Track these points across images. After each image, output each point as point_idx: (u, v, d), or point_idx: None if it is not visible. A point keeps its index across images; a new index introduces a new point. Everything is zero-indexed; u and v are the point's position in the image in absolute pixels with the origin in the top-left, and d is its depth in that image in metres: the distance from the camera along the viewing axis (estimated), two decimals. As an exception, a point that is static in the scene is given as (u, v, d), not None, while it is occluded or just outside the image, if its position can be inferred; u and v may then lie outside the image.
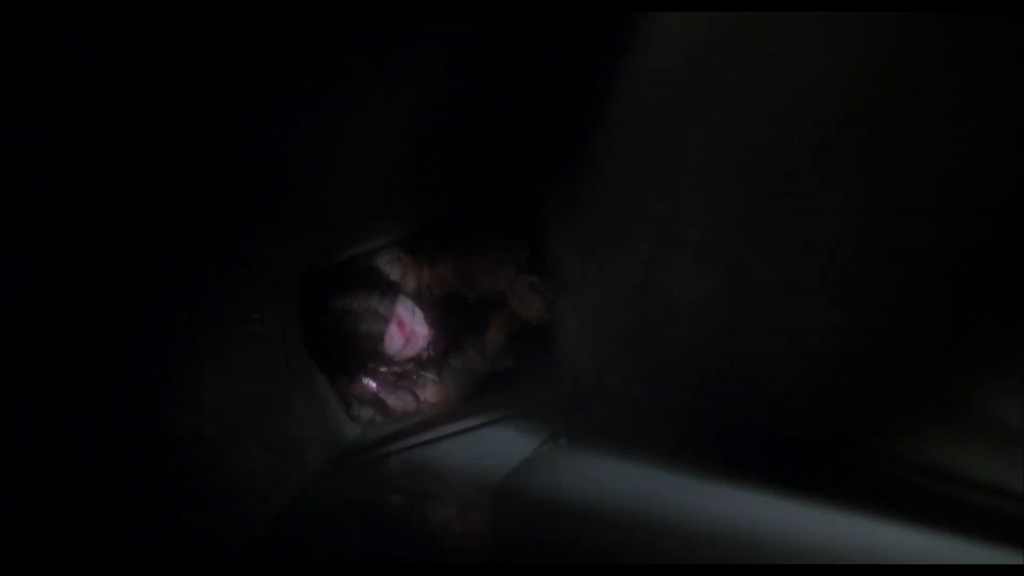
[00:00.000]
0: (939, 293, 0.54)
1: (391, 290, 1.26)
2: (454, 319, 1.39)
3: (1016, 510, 0.51)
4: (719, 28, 0.68)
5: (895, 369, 0.60)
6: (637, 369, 1.09)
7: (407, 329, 1.24)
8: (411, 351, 1.28)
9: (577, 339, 1.29)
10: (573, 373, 1.29)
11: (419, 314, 1.30)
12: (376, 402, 1.23)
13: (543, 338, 1.34)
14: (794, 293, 0.68)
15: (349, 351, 1.22)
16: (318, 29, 0.74)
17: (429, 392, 1.23)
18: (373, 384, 1.24)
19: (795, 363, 0.72)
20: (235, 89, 0.79)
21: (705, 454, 0.80)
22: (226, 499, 0.87)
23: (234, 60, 0.73)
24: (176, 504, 0.78)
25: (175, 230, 0.91)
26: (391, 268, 1.34)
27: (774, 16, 0.61)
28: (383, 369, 1.28)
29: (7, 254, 0.63)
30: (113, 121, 0.71)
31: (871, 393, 0.63)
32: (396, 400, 1.23)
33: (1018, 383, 0.49)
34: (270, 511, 0.93)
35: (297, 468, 1.05)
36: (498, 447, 1.00)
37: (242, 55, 0.73)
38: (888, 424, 0.62)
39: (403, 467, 1.04)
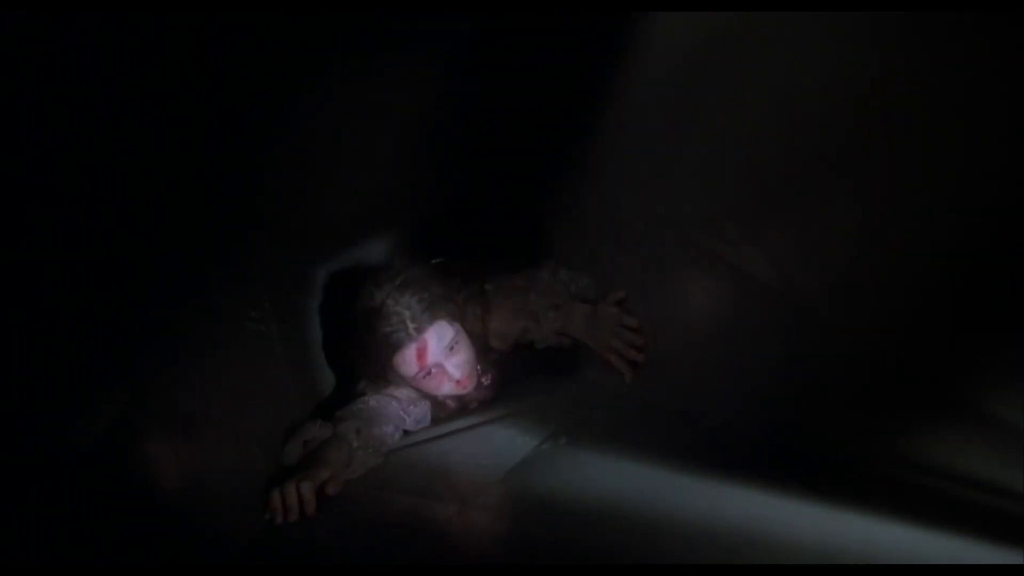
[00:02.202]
0: (940, 293, 0.54)
1: (433, 307, 1.05)
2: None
3: (1016, 510, 0.51)
4: (719, 28, 0.68)
5: (895, 369, 0.60)
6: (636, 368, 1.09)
7: (428, 359, 1.05)
8: (432, 387, 1.10)
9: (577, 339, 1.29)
10: (573, 373, 1.29)
11: (463, 357, 1.09)
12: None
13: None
14: (795, 293, 0.68)
15: (360, 348, 1.08)
16: (318, 30, 0.74)
17: None
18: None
19: (795, 363, 0.72)
20: (235, 89, 0.79)
21: (705, 454, 0.80)
22: (225, 497, 0.87)
23: (234, 60, 0.73)
24: (175, 503, 0.78)
25: (175, 230, 0.91)
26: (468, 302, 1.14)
27: (774, 16, 0.61)
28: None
29: (7, 254, 0.63)
30: (113, 121, 0.71)
31: (871, 393, 0.63)
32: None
33: (1018, 383, 0.49)
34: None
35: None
36: (498, 446, 0.99)
37: (242, 55, 0.73)
38: (888, 424, 0.62)
39: (402, 466, 1.03)
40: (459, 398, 1.17)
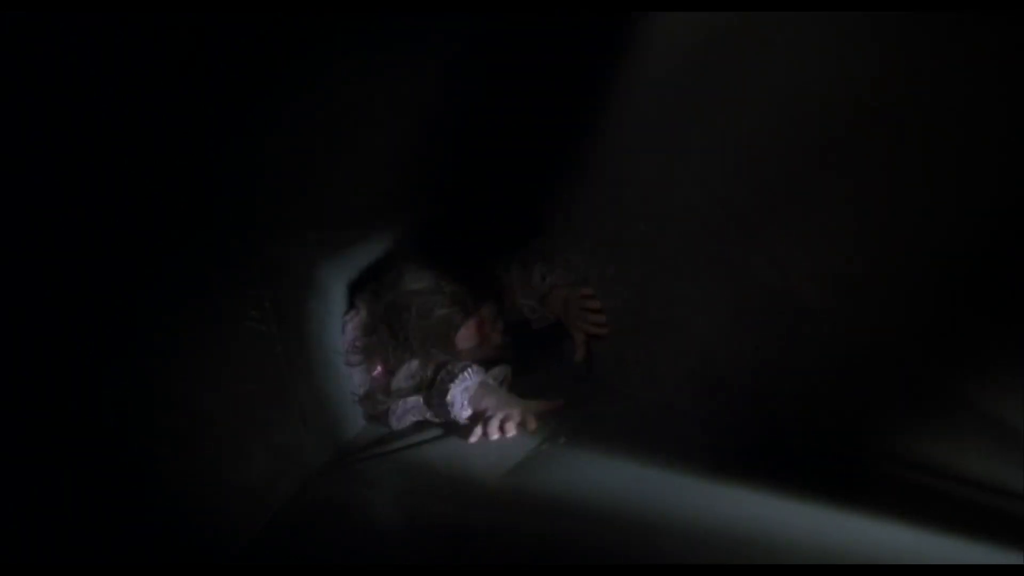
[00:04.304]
0: (940, 292, 0.54)
1: (479, 287, 1.24)
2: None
3: (1016, 509, 0.51)
4: (719, 28, 0.68)
5: (895, 369, 0.60)
6: (637, 368, 1.09)
7: (486, 331, 1.23)
8: (481, 354, 1.23)
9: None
10: (573, 372, 1.29)
11: (500, 324, 1.28)
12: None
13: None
14: (795, 292, 0.68)
15: (416, 330, 1.17)
16: (319, 29, 0.74)
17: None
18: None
19: (795, 362, 0.72)
20: (235, 89, 0.79)
21: (704, 453, 0.80)
22: (225, 498, 0.87)
23: (234, 60, 0.73)
24: (175, 503, 0.78)
25: (174, 229, 0.91)
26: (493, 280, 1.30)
27: (774, 16, 0.61)
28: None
29: (7, 254, 0.63)
30: (113, 121, 0.71)
31: (871, 393, 0.63)
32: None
33: (1018, 383, 0.49)
34: (269, 510, 0.93)
35: (296, 467, 1.05)
36: (498, 445, 1.00)
37: (242, 55, 0.73)
38: (888, 424, 0.62)
39: (403, 465, 1.04)
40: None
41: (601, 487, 0.77)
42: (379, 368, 1.22)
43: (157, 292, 0.86)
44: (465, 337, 1.21)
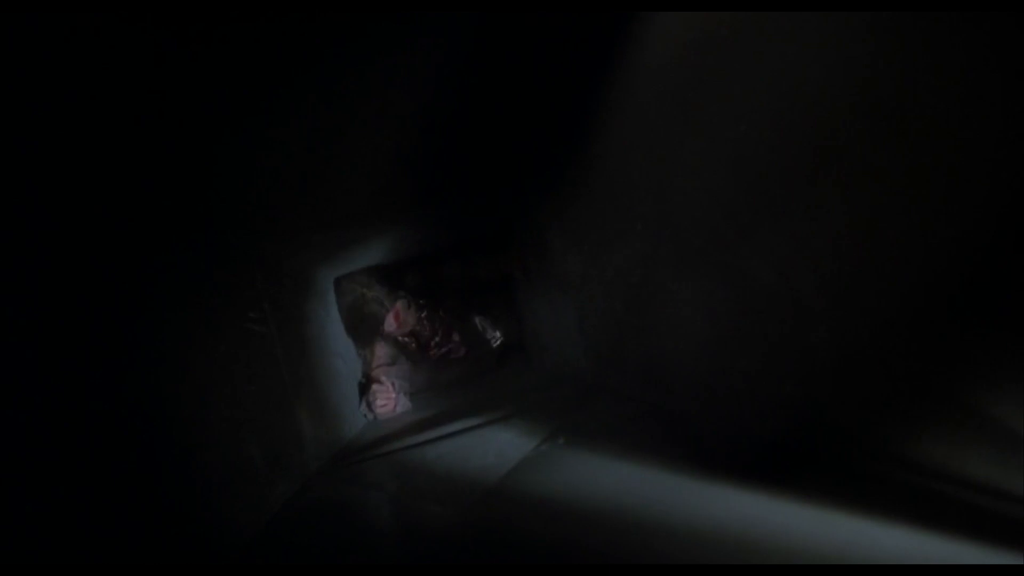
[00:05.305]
0: (939, 294, 0.54)
1: (392, 292, 1.98)
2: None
3: (1016, 510, 0.50)
4: (718, 28, 0.68)
5: (894, 369, 0.59)
6: (636, 369, 1.09)
7: (400, 318, 2.00)
8: (403, 331, 2.03)
9: (576, 338, 1.29)
10: (572, 373, 1.29)
11: (413, 310, 2.03)
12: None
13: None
14: (792, 293, 0.68)
15: (361, 323, 1.94)
16: (319, 31, 0.74)
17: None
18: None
19: (793, 363, 0.72)
20: (235, 90, 0.79)
21: (702, 453, 0.80)
22: (225, 497, 0.87)
23: (235, 61, 0.73)
24: (175, 503, 0.78)
25: (174, 231, 0.91)
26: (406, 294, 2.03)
27: (774, 16, 0.61)
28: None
29: (8, 254, 0.63)
30: (113, 122, 0.71)
31: (870, 393, 0.63)
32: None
33: (1018, 383, 0.49)
34: (269, 509, 0.93)
35: (296, 467, 1.05)
36: (497, 446, 1.00)
37: (243, 56, 0.73)
38: (887, 424, 0.62)
39: (401, 466, 1.04)
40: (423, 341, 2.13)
41: (600, 487, 0.77)
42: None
43: (157, 292, 0.86)
44: (389, 325, 1.98)
